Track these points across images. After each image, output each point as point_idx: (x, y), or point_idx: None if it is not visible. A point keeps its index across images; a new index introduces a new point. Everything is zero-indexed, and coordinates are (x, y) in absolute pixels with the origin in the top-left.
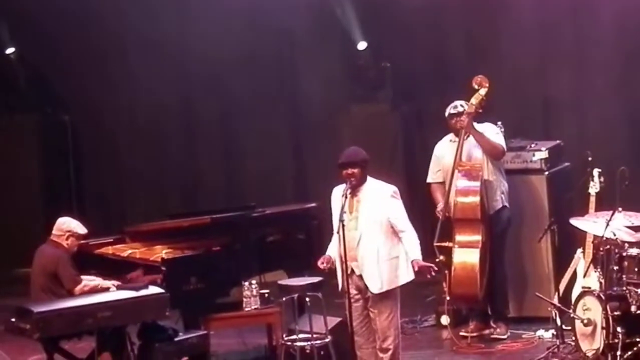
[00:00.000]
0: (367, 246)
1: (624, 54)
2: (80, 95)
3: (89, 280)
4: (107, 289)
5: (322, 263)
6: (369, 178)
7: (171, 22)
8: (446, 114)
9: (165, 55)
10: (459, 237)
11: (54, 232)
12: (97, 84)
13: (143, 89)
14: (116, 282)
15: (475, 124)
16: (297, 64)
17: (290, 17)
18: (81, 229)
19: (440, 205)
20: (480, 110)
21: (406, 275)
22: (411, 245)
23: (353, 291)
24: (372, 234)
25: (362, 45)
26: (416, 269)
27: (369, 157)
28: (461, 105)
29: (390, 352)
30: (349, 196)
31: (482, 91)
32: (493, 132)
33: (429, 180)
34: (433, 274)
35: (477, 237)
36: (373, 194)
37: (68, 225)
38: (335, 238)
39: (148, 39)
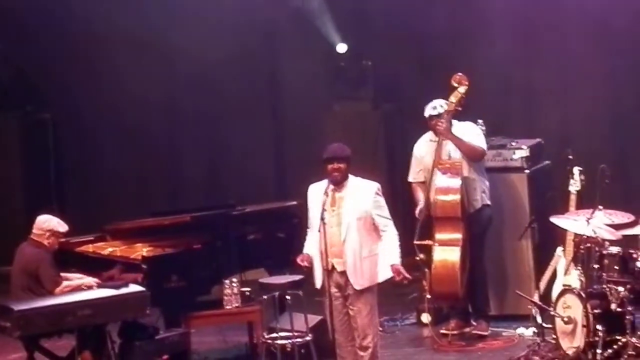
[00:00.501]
0: (351, 242)
1: (605, 52)
2: (62, 94)
3: (77, 279)
4: (90, 287)
5: (302, 261)
6: (350, 175)
7: (156, 20)
8: (426, 114)
9: (149, 53)
10: (440, 236)
11: (34, 230)
12: (80, 82)
13: (126, 86)
14: (98, 280)
15: (456, 122)
16: (280, 62)
17: (274, 17)
18: (62, 227)
19: (420, 206)
20: (460, 109)
21: (385, 272)
22: (392, 247)
23: (333, 289)
24: (356, 230)
25: (341, 48)
26: (395, 275)
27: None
28: (440, 106)
29: (369, 350)
30: (330, 193)
31: (462, 89)
32: (474, 133)
33: (410, 179)
34: (405, 282)
35: (458, 235)
36: (357, 190)
37: (49, 224)
38: (310, 235)
39: (133, 37)
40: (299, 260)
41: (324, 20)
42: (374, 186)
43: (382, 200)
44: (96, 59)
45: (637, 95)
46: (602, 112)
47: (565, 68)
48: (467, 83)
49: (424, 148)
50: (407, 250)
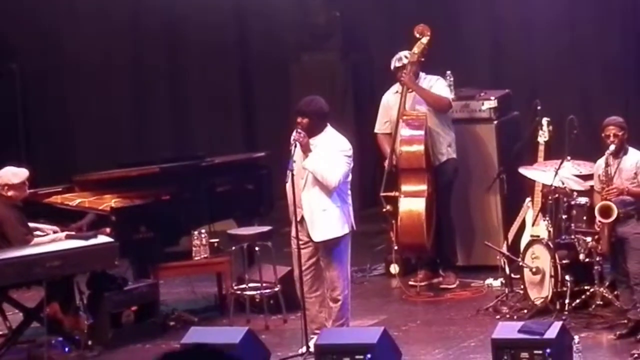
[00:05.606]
0: (310, 194)
1: (571, 1)
2: (28, 44)
3: (48, 229)
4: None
5: None
6: (329, 130)
7: None
8: (392, 66)
9: (115, 7)
10: (405, 187)
11: None
12: (46, 31)
13: (92, 36)
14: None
15: (423, 75)
16: (247, 11)
17: None
18: (17, 178)
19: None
20: (423, 59)
21: (346, 226)
22: (323, 166)
23: (305, 238)
24: (315, 182)
25: None
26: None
27: (327, 110)
28: (405, 57)
29: (339, 303)
30: (298, 145)
31: (424, 40)
32: (442, 86)
33: (376, 130)
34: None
35: (423, 187)
36: (324, 144)
37: (2, 180)
38: None
39: None
40: None
41: None
42: (341, 144)
43: (343, 160)
44: (60, 6)
45: (602, 45)
46: (570, 63)
47: (532, 18)
48: (429, 34)
49: (392, 99)
50: (374, 201)
